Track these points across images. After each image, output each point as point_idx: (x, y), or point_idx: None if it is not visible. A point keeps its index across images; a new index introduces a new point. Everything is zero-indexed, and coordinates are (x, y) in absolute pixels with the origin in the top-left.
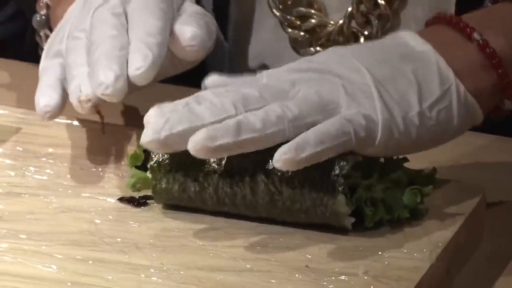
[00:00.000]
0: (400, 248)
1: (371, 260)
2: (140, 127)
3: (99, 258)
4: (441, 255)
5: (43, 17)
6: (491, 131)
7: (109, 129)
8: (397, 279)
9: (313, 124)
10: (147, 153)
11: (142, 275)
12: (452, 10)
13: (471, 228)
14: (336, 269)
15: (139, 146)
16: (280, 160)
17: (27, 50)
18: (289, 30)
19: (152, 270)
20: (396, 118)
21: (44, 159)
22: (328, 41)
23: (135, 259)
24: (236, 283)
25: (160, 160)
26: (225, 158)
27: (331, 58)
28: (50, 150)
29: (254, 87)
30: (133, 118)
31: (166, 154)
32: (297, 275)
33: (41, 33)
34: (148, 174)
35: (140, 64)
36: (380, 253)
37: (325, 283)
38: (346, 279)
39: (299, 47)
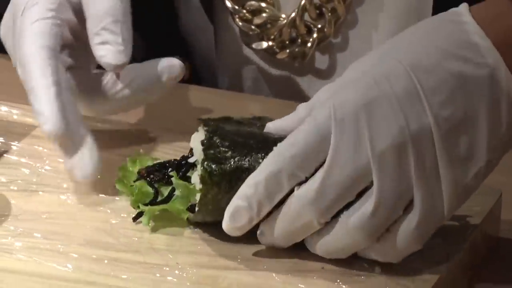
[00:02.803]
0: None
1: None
2: (152, 127)
3: (114, 257)
4: (458, 256)
5: None
6: None
7: (122, 128)
8: (413, 280)
9: None
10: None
11: (157, 275)
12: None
13: (487, 230)
14: (353, 270)
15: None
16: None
17: None
18: (240, 23)
19: (167, 269)
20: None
21: (59, 158)
22: (280, 36)
23: (151, 259)
24: (251, 283)
25: (211, 170)
26: None
27: None
28: None
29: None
30: (146, 118)
31: (215, 165)
32: (314, 277)
33: None
34: (196, 185)
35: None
36: None
37: (340, 283)
38: (363, 278)
39: (250, 41)
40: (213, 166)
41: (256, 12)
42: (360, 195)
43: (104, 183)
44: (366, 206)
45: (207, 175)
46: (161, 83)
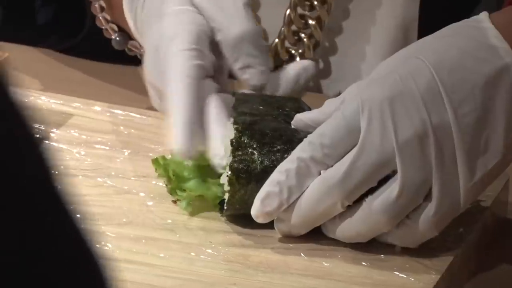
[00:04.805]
0: None
1: None
2: None
3: (151, 237)
4: (471, 237)
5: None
6: None
7: (155, 116)
8: (431, 259)
9: None
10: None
11: (192, 253)
12: (414, 33)
13: (496, 212)
14: (373, 249)
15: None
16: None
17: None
18: None
19: (201, 248)
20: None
21: (96, 145)
22: None
23: (185, 238)
24: (279, 260)
25: (238, 173)
26: None
27: None
28: (101, 136)
29: None
30: None
31: (242, 168)
32: (338, 256)
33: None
34: (225, 186)
35: None
36: None
37: (363, 262)
38: (383, 257)
39: None
40: (241, 168)
41: None
42: (381, 183)
43: (140, 166)
44: (390, 191)
45: (234, 178)
46: (299, 87)
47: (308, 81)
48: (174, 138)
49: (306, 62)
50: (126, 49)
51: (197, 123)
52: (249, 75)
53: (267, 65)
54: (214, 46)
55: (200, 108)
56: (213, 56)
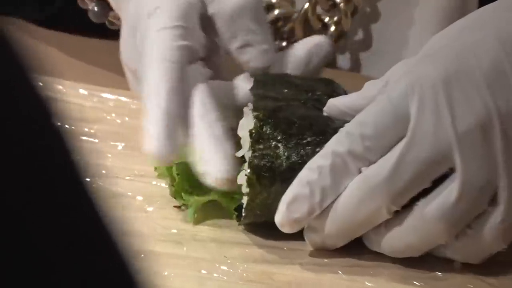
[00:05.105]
0: None
1: None
2: None
3: (151, 251)
4: None
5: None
6: None
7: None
8: (497, 277)
9: None
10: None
11: (203, 271)
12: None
13: None
14: (427, 266)
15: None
16: None
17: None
18: None
19: (214, 265)
20: None
21: (82, 137)
22: (293, 34)
23: (194, 252)
24: (312, 280)
25: (259, 172)
26: None
27: None
28: (88, 126)
29: None
30: None
31: (264, 165)
32: (384, 274)
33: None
34: (243, 187)
35: None
36: None
37: (415, 281)
38: (441, 276)
39: None
40: (262, 165)
41: (270, 7)
42: (436, 183)
43: (136, 163)
44: (447, 193)
45: (254, 177)
46: (311, 69)
47: (322, 62)
48: (148, 138)
49: (319, 38)
50: (106, 22)
51: (180, 120)
52: (249, 55)
53: (270, 43)
54: (206, 22)
55: (184, 100)
56: (204, 35)
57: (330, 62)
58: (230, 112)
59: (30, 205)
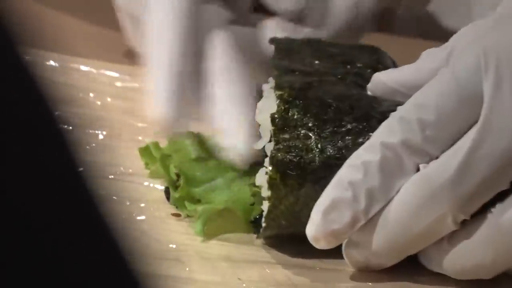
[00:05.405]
0: None
1: None
2: None
3: (146, 272)
4: None
5: None
6: None
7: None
8: None
9: None
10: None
11: None
12: None
13: None
14: None
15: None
16: None
17: None
18: None
19: None
20: None
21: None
22: None
23: (200, 274)
24: None
25: (284, 170)
26: None
27: None
28: (61, 109)
29: None
30: None
31: (291, 160)
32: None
33: None
34: (262, 190)
35: None
36: None
37: None
38: None
39: None
40: (289, 161)
41: None
42: None
43: (123, 156)
44: None
45: (278, 177)
46: (358, 20)
47: (371, 11)
48: (154, 100)
49: None
50: None
51: (192, 76)
52: None
53: None
54: None
55: (198, 50)
56: None
57: (377, 22)
58: (256, 68)
59: None
